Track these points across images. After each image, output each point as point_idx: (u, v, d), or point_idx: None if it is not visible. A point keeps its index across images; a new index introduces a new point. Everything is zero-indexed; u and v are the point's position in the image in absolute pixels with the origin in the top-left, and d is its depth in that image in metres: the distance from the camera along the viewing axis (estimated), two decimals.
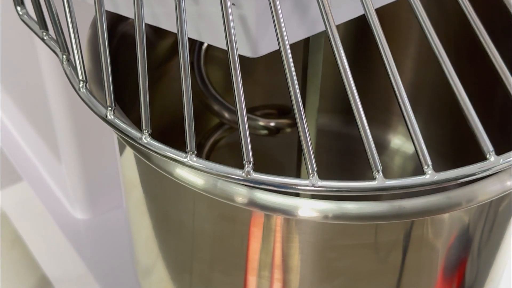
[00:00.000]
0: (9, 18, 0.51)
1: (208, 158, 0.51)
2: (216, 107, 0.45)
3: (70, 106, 0.49)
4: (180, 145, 0.52)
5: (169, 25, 0.32)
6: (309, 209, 0.30)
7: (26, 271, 0.70)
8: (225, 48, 0.32)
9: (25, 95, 0.57)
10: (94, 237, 0.54)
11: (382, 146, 0.57)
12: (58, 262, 0.60)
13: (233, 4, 0.29)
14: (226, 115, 0.46)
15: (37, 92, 0.51)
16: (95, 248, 0.54)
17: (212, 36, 0.31)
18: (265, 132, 0.47)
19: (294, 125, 0.47)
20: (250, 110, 0.52)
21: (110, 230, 0.54)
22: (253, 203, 0.31)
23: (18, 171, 0.60)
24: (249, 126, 0.46)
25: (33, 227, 0.64)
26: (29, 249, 0.67)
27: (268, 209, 0.30)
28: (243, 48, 0.30)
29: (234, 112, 0.46)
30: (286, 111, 0.52)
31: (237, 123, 0.46)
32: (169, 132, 0.51)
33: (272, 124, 0.47)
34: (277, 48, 0.31)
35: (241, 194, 0.31)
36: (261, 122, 0.47)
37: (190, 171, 0.32)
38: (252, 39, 0.30)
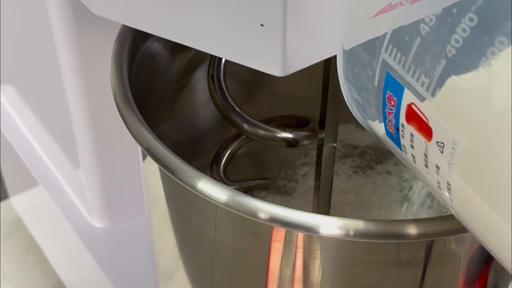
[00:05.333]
0: (30, 27, 0.51)
1: (226, 168, 0.51)
2: (236, 119, 0.46)
3: (90, 113, 0.49)
4: (197, 155, 0.52)
5: (187, 40, 0.33)
6: (331, 227, 0.30)
7: (42, 276, 0.71)
8: (247, 65, 0.32)
9: (43, 101, 0.58)
10: (112, 245, 0.54)
11: None
12: (75, 268, 0.61)
13: (262, 25, 0.29)
14: (246, 126, 0.46)
15: (56, 98, 0.52)
16: (112, 255, 0.54)
17: (234, 53, 0.32)
18: (283, 144, 0.47)
19: (312, 137, 0.48)
20: (268, 121, 0.52)
21: (128, 238, 0.54)
22: (275, 219, 0.31)
23: (34, 176, 0.61)
24: (268, 138, 0.47)
25: (49, 232, 0.65)
26: (45, 254, 0.67)
27: (290, 226, 0.31)
28: (270, 67, 0.30)
29: (253, 124, 0.47)
30: (304, 122, 0.52)
31: (256, 135, 0.46)
32: (187, 142, 0.52)
33: (291, 136, 0.47)
34: (305, 66, 0.31)
35: (263, 210, 0.31)
36: (280, 134, 0.47)
37: (213, 185, 0.32)
38: (280, 59, 0.30)
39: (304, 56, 0.31)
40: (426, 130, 0.22)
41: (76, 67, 0.45)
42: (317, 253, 0.33)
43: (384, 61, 0.24)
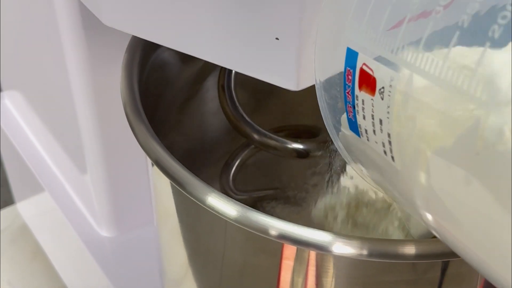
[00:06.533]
0: (40, 36, 0.51)
1: (235, 177, 0.51)
2: (246, 129, 0.45)
3: (99, 122, 0.49)
4: (207, 164, 0.52)
5: (200, 52, 0.32)
6: (344, 246, 0.29)
7: (47, 283, 0.70)
8: (261, 78, 0.31)
9: (51, 108, 0.57)
10: (119, 255, 0.54)
11: None
12: (80, 276, 0.60)
13: (277, 39, 0.28)
14: (256, 137, 0.45)
15: (64, 106, 0.51)
16: (119, 265, 0.54)
17: (247, 66, 0.31)
18: (294, 155, 0.47)
19: (324, 148, 0.47)
20: (278, 130, 0.51)
21: (135, 249, 0.54)
22: (285, 237, 0.30)
23: (41, 184, 0.60)
24: (278, 149, 0.46)
25: (55, 240, 0.64)
26: (51, 261, 0.67)
27: (301, 244, 0.30)
28: (285, 80, 0.30)
29: (264, 134, 0.46)
30: (315, 132, 0.51)
31: (266, 146, 0.46)
32: (196, 151, 0.51)
33: (302, 146, 0.46)
34: None
35: (273, 226, 0.30)
36: (291, 145, 0.46)
37: (223, 200, 0.31)
38: (295, 73, 0.29)
39: None
40: (372, 84, 0.24)
41: (86, 76, 0.45)
42: (330, 272, 0.32)
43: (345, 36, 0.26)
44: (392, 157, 0.24)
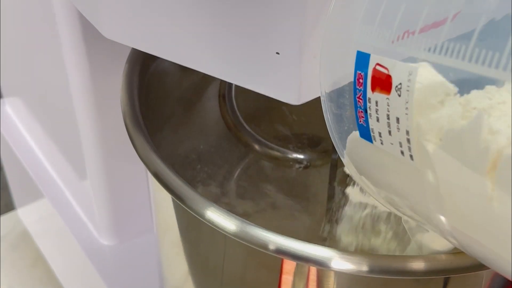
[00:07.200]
0: (41, 44, 0.51)
1: (237, 184, 0.51)
2: (247, 139, 0.45)
3: (99, 131, 0.49)
4: (207, 173, 0.51)
5: (201, 66, 0.32)
6: (343, 261, 0.29)
7: None
8: (262, 92, 0.31)
9: (51, 115, 0.57)
10: (119, 264, 0.54)
11: None
12: (81, 283, 0.60)
13: (277, 53, 0.28)
14: (256, 146, 0.45)
15: (64, 113, 0.51)
16: (119, 274, 0.53)
17: (248, 80, 0.31)
18: (295, 165, 0.46)
19: (324, 157, 0.47)
20: (279, 139, 0.51)
21: (136, 257, 0.53)
22: (284, 252, 0.30)
23: (43, 193, 0.60)
24: (279, 159, 0.46)
25: (56, 247, 0.64)
26: (51, 268, 0.67)
27: (300, 259, 0.30)
28: (286, 95, 0.30)
29: (264, 144, 0.46)
30: (316, 141, 0.51)
31: (267, 156, 0.46)
32: (197, 159, 0.51)
33: (303, 157, 0.46)
34: (319, 95, 0.30)
35: (273, 241, 0.30)
36: (291, 155, 0.46)
37: (222, 215, 0.31)
38: (295, 87, 0.29)
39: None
40: (387, 83, 0.24)
41: (86, 85, 0.45)
42: (330, 287, 0.32)
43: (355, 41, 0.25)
44: (411, 156, 0.24)
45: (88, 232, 0.55)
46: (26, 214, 0.71)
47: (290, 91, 0.30)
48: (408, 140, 0.23)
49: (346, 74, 0.26)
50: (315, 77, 0.30)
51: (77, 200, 0.57)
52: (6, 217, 0.76)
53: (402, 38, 0.23)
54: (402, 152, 0.24)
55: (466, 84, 0.21)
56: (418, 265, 0.29)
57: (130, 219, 0.54)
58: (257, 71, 0.30)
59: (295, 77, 0.29)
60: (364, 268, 0.29)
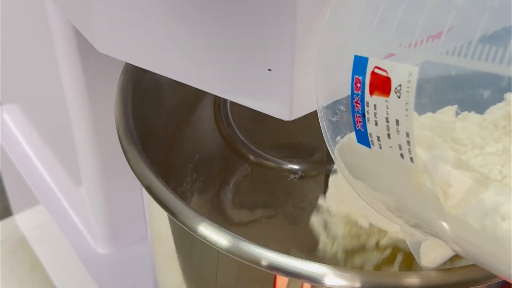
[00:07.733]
0: (37, 54, 0.51)
1: (233, 193, 0.51)
2: (242, 150, 0.45)
3: (94, 140, 0.49)
4: (203, 182, 0.51)
5: (193, 81, 0.32)
6: (335, 278, 0.29)
7: None
8: (254, 108, 0.31)
9: (48, 124, 0.57)
10: (115, 272, 0.54)
11: None
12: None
13: (269, 70, 0.28)
14: (252, 158, 0.45)
15: (61, 121, 0.51)
16: (115, 282, 0.54)
17: (240, 95, 0.31)
18: (290, 175, 0.46)
19: (320, 167, 0.47)
20: (275, 148, 0.51)
21: (131, 265, 0.53)
22: (277, 268, 0.30)
23: (38, 198, 0.60)
24: (274, 169, 0.46)
25: (53, 253, 0.64)
26: (49, 274, 0.67)
27: (293, 275, 0.30)
28: (278, 111, 0.30)
29: (259, 155, 0.46)
30: (312, 151, 0.51)
31: (262, 166, 0.46)
32: (193, 169, 0.51)
33: (298, 167, 0.46)
34: (312, 110, 0.30)
35: (265, 257, 0.30)
36: (286, 166, 0.46)
37: (214, 230, 0.31)
38: (287, 103, 0.29)
39: (311, 100, 0.30)
40: (386, 85, 0.24)
41: (82, 95, 0.45)
42: None
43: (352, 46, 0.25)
44: (411, 158, 0.24)
45: (84, 240, 0.55)
46: (23, 221, 0.71)
47: (282, 107, 0.30)
48: (408, 142, 0.23)
49: (343, 78, 0.26)
50: (307, 93, 0.30)
51: (73, 208, 0.57)
52: (5, 222, 0.77)
53: (402, 40, 0.23)
54: (401, 155, 0.24)
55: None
56: (411, 281, 0.29)
57: (126, 227, 0.54)
58: (249, 87, 0.30)
59: (287, 94, 0.29)
60: (357, 284, 0.29)
